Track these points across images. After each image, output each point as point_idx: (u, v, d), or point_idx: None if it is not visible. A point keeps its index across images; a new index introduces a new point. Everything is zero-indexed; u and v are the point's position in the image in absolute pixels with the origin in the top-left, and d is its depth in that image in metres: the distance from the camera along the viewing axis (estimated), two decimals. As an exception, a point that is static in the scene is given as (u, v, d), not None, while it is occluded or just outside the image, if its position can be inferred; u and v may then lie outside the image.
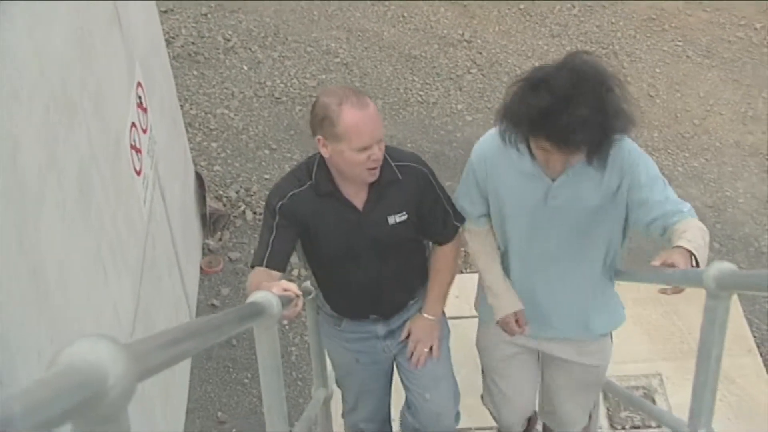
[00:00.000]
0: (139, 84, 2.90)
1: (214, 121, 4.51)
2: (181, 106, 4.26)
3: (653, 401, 3.13)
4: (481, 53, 4.94)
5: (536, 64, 2.64)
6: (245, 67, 4.83)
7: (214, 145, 4.38)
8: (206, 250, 3.93)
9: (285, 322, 2.02)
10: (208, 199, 3.89)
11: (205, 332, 1.22)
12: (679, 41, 5.04)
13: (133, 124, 2.77)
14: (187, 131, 4.07)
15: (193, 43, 4.93)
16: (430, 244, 2.41)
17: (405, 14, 5.14)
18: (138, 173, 2.79)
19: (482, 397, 2.71)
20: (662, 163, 4.28)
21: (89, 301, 2.29)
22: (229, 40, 4.97)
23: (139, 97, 2.89)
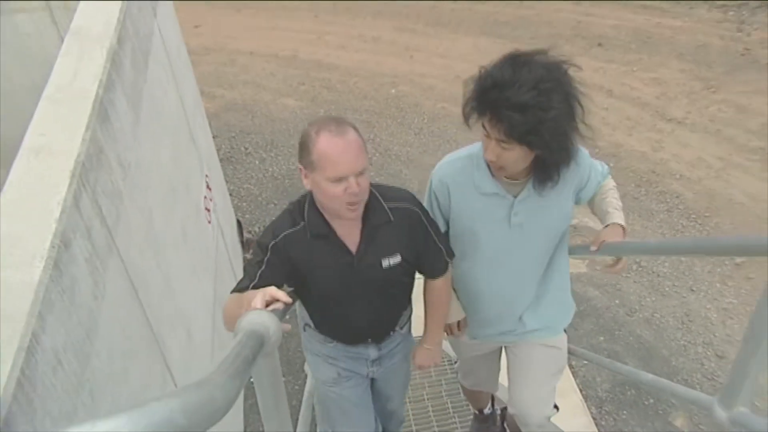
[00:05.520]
0: (206, 174, 3.04)
1: (243, 192, 4.64)
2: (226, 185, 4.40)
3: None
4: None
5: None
6: (257, 162, 4.96)
7: (244, 204, 4.51)
8: (244, 260, 3.98)
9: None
10: (244, 232, 4.03)
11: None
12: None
13: (205, 197, 2.90)
14: (231, 197, 4.24)
15: (228, 151, 5.06)
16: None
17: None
18: (209, 222, 2.90)
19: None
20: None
21: (192, 294, 2.36)
22: (247, 149, 5.12)
23: (207, 182, 3.03)
